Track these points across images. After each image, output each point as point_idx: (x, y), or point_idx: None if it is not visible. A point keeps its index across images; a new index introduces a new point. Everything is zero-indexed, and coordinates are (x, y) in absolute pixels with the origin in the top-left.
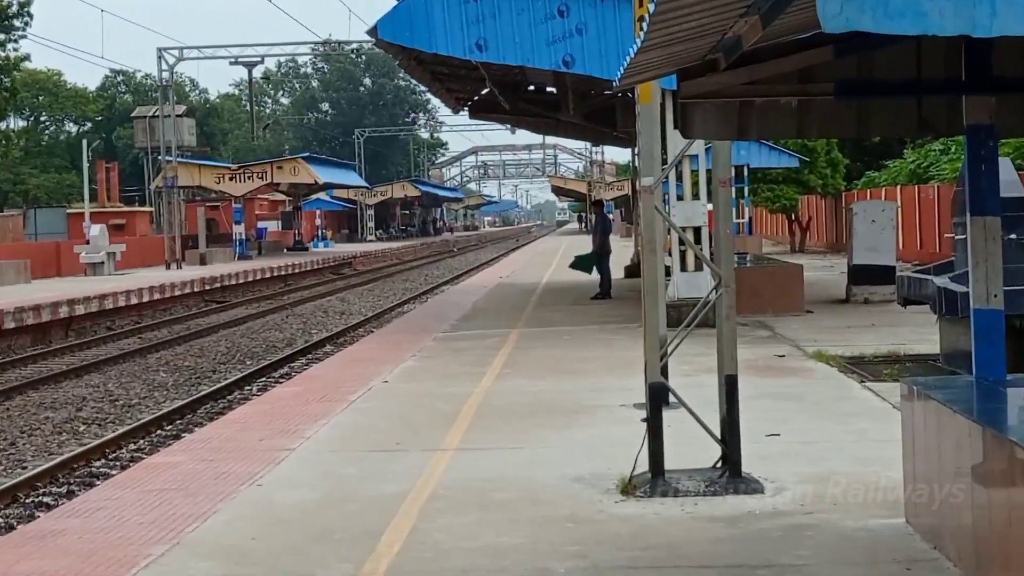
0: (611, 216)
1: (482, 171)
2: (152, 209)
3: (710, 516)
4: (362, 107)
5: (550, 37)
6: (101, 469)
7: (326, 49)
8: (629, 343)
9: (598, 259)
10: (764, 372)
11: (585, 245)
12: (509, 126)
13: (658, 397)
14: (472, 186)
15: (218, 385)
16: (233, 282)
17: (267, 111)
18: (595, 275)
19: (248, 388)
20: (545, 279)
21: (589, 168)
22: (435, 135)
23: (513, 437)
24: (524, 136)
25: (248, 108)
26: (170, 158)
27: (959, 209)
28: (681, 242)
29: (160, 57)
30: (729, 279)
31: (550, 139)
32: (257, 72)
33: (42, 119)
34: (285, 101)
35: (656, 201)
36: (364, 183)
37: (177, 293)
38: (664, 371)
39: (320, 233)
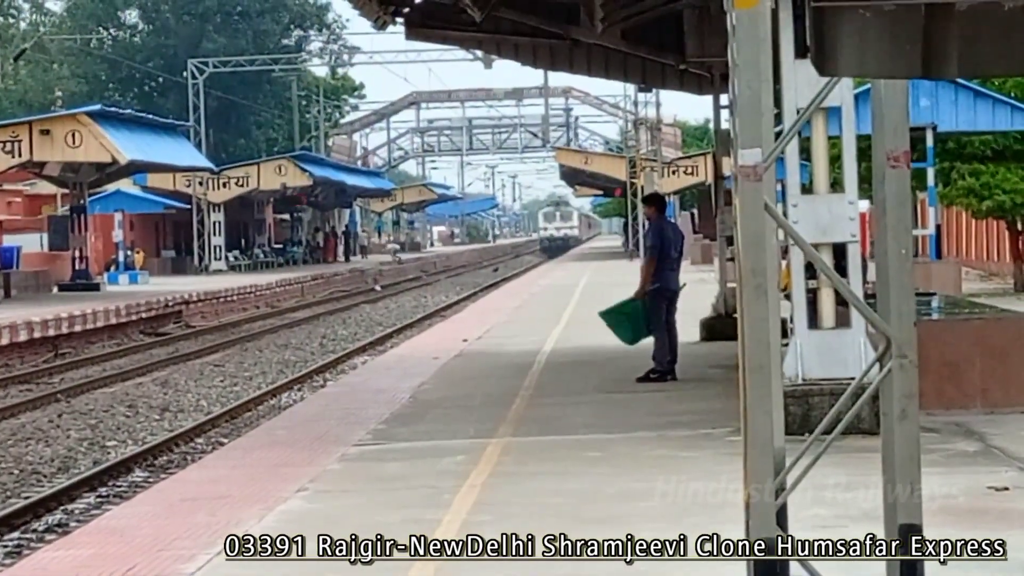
0: (673, 220)
1: (427, 137)
2: None
3: None
4: (202, 20)
5: None
6: None
7: None
8: (711, 465)
9: (649, 305)
10: (969, 520)
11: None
12: (479, 55)
13: (771, 567)
14: (410, 168)
15: None
16: None
17: (21, 27)
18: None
19: None
20: (551, 343)
21: (630, 132)
22: (340, 71)
23: None
24: (508, 74)
25: None
26: None
27: None
28: (811, 273)
29: None
30: (906, 343)
31: (558, 79)
32: None
33: None
34: (55, 6)
35: (766, 194)
36: (206, 162)
37: None
38: (782, 519)
39: (124, 257)
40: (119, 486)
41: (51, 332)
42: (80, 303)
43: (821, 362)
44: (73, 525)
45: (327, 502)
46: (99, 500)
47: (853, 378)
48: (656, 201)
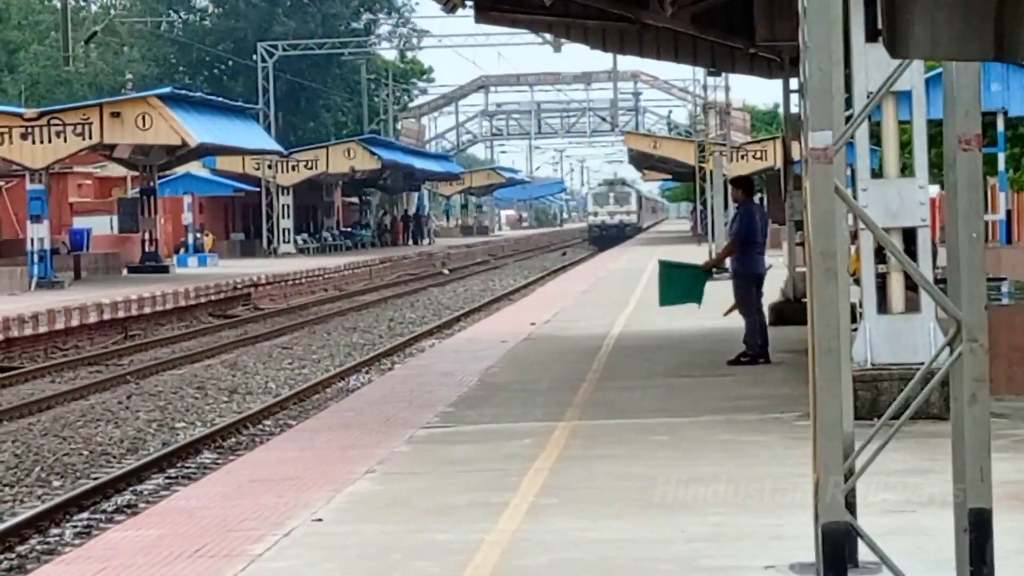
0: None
1: (495, 121)
2: None
3: None
4: (271, 3)
5: None
6: None
7: None
8: (779, 450)
9: (739, 290)
10: None
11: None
12: (548, 38)
13: (839, 551)
14: (478, 151)
15: None
16: (27, 332)
17: (92, 10)
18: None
19: (57, 532)
20: (619, 327)
21: (699, 116)
22: (409, 55)
23: None
24: (576, 58)
25: (58, 4)
26: None
27: None
28: (880, 258)
29: None
30: (977, 327)
31: (627, 63)
32: None
33: None
34: None
35: (836, 177)
36: (275, 145)
37: None
38: (851, 503)
39: (193, 239)
40: (188, 467)
41: (121, 314)
42: (149, 285)
43: (890, 347)
44: (142, 506)
45: (395, 484)
46: (168, 481)
47: (922, 363)
48: (744, 183)
